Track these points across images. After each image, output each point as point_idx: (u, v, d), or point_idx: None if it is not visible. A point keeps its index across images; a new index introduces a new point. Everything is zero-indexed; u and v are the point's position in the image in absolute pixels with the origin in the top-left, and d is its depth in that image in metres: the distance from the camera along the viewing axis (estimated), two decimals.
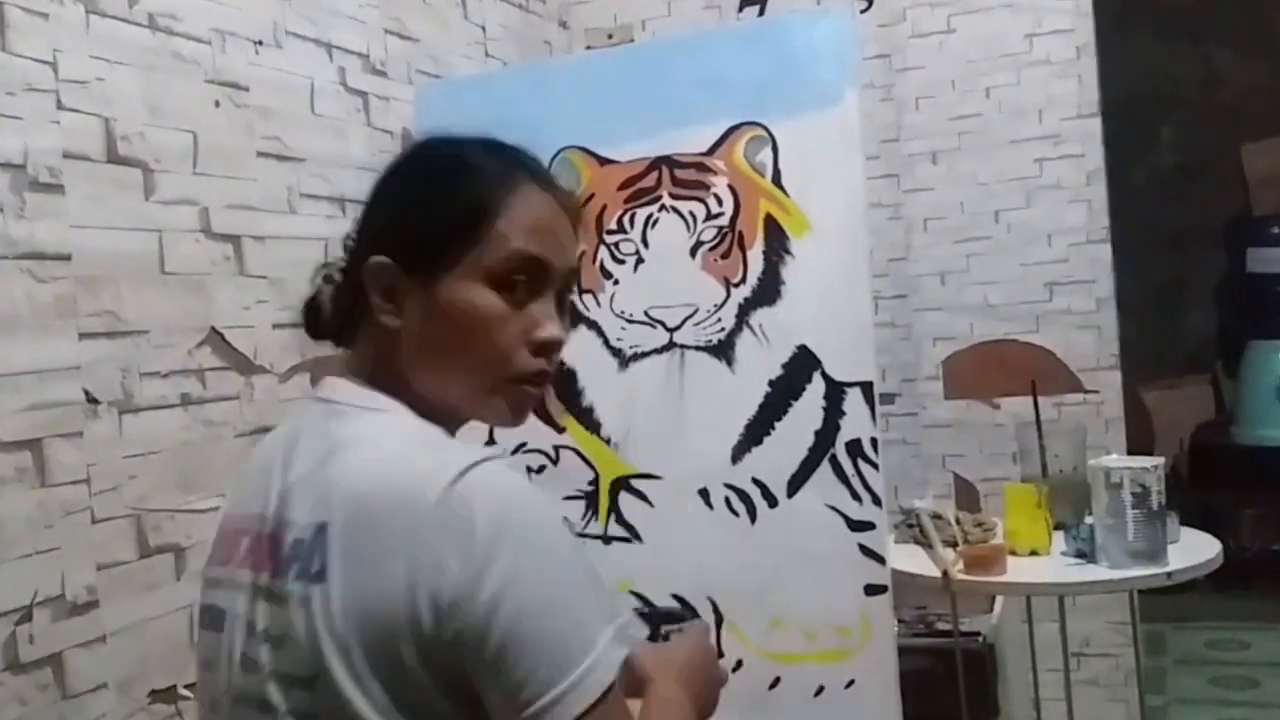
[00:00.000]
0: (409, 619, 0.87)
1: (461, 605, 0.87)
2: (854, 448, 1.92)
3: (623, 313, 2.07)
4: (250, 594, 0.98)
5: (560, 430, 2.09)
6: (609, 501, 2.07)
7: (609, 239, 2.09)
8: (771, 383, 1.97)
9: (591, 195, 2.11)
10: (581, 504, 2.08)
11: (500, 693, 0.88)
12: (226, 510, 1.08)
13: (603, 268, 2.09)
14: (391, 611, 0.88)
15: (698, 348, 2.02)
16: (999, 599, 2.54)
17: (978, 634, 2.42)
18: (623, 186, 2.10)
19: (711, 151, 2.05)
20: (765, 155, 2.02)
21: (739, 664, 1.96)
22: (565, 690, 0.87)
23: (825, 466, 1.93)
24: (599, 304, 2.08)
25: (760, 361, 1.98)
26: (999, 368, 2.82)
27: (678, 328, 2.03)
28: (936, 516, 2.30)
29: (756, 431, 1.98)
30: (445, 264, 0.99)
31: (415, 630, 0.88)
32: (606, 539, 2.06)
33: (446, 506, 0.88)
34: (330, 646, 0.90)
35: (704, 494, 1.99)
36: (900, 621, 2.25)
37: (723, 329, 2.01)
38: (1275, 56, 5.05)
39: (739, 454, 1.98)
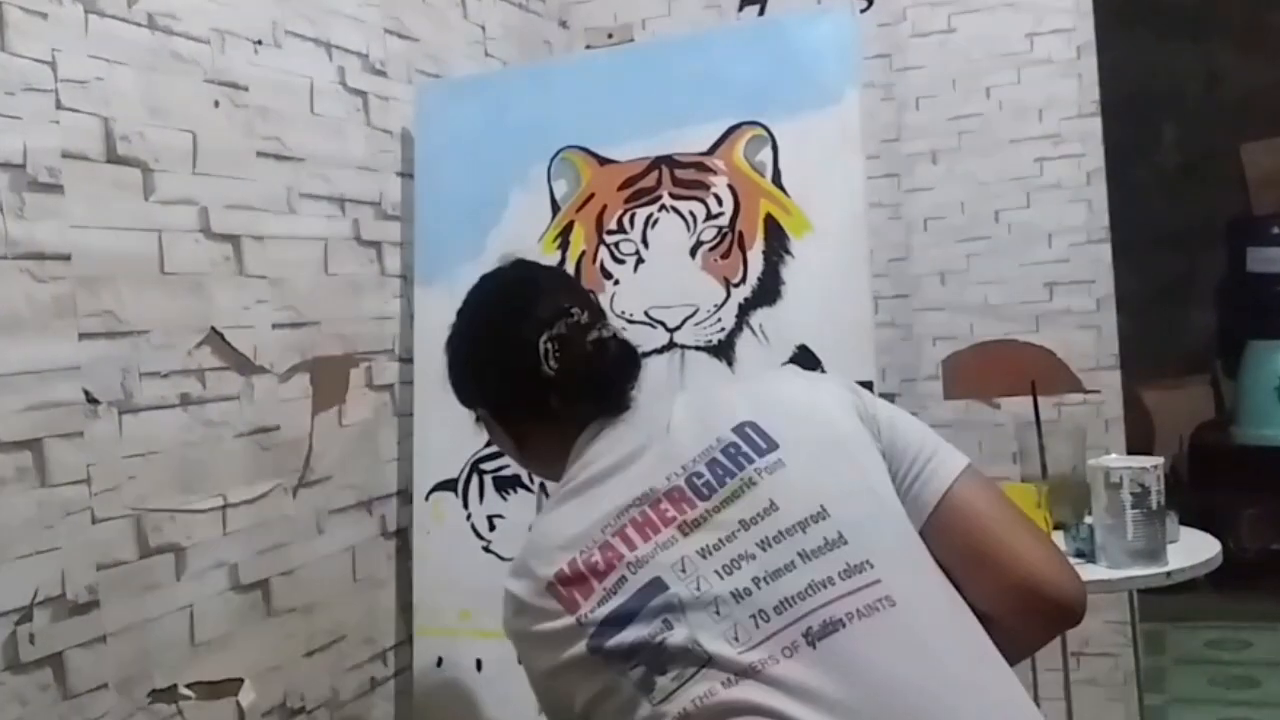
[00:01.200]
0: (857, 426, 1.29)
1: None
2: None
3: (623, 313, 2.07)
4: (684, 532, 1.16)
5: None
6: None
7: (609, 239, 2.09)
8: None
9: (591, 195, 2.12)
10: None
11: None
12: (568, 558, 1.18)
13: (603, 268, 2.09)
14: (846, 425, 1.27)
15: (698, 348, 2.02)
16: None
17: None
18: (623, 186, 2.10)
19: (712, 151, 2.05)
20: (765, 155, 2.02)
21: None
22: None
23: None
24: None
25: (760, 361, 1.98)
26: (999, 368, 2.81)
27: (678, 328, 2.03)
28: None
29: None
30: None
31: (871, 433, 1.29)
32: None
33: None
34: (824, 475, 1.20)
35: None
36: None
37: (723, 329, 2.01)
38: (1275, 56, 5.04)
39: None
